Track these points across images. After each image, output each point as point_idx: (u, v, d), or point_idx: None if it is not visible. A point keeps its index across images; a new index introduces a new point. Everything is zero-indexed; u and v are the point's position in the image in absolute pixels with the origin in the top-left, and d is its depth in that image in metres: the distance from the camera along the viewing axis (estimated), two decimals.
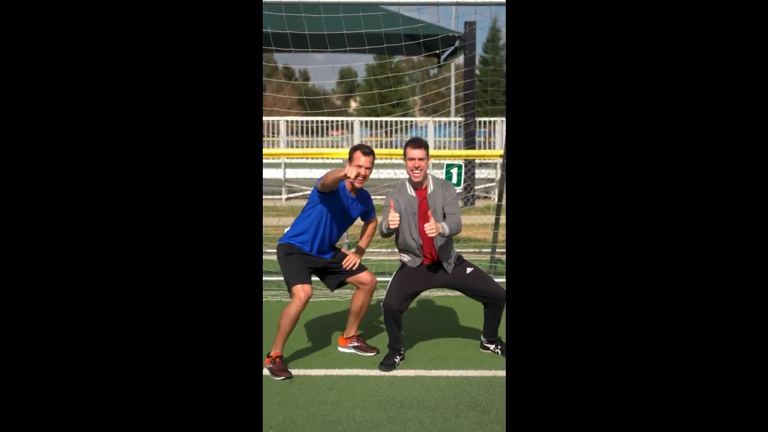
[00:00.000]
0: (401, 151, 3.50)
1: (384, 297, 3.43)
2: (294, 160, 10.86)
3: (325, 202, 3.40)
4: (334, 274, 3.58)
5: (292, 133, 12.29)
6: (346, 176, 3.09)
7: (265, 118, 11.20)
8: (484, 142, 11.81)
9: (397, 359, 3.40)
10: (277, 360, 3.25)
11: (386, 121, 11.68)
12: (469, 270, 3.50)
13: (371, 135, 12.15)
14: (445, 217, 3.35)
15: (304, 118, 11.76)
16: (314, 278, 3.49)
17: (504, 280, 4.15)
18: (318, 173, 3.83)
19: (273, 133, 11.97)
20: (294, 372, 3.24)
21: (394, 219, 3.22)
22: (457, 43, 9.39)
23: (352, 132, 11.98)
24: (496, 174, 10.17)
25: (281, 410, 2.78)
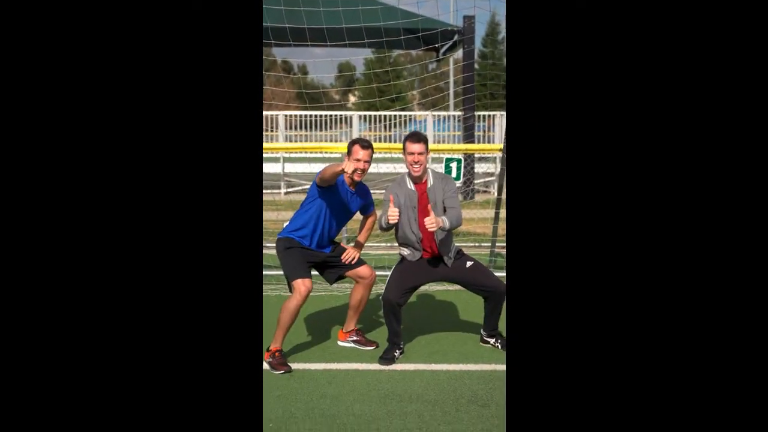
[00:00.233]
0: (400, 146, 3.49)
1: (383, 291, 3.43)
2: (293, 155, 10.87)
3: (324, 196, 3.40)
4: (333, 268, 3.58)
5: (290, 128, 12.28)
6: (344, 171, 3.09)
7: (263, 113, 11.18)
8: (483, 136, 11.81)
9: (397, 353, 3.40)
10: (277, 354, 3.25)
11: (385, 116, 11.66)
12: (468, 264, 3.49)
13: (370, 129, 12.14)
14: (445, 210, 3.35)
15: (303, 113, 11.75)
16: (314, 272, 3.49)
17: (504, 274, 4.15)
18: (317, 167, 3.82)
19: (272, 128, 11.96)
20: (293, 366, 3.24)
21: (393, 214, 3.20)
22: (455, 37, 9.36)
23: (351, 126, 11.97)
24: (495, 168, 10.17)
25: (281, 404, 2.78)
